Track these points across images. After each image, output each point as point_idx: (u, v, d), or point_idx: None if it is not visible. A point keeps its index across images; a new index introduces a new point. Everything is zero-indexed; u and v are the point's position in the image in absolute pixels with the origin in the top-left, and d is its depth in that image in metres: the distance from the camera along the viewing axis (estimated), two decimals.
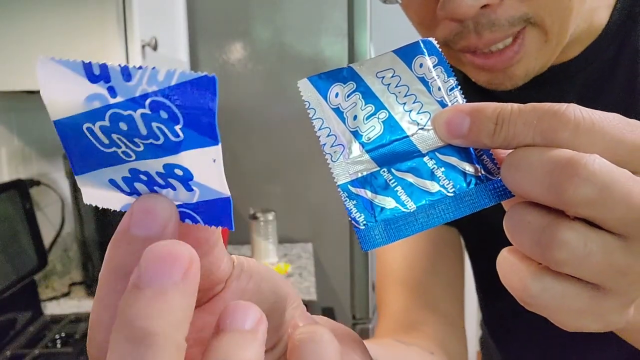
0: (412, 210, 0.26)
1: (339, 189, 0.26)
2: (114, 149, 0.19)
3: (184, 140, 0.18)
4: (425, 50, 0.27)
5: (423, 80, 0.27)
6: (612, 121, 0.23)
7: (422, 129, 0.26)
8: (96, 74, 0.17)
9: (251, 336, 0.20)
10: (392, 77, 0.27)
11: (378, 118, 0.26)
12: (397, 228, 0.26)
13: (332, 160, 0.26)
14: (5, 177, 1.26)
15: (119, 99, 0.18)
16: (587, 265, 0.23)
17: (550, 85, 0.51)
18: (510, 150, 0.25)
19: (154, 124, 0.18)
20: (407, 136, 0.26)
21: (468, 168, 0.26)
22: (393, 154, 0.26)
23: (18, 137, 1.32)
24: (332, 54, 1.77)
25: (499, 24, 0.41)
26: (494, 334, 0.65)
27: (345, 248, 1.80)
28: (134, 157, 0.19)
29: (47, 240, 1.37)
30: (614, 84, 0.50)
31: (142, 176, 0.20)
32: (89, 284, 1.39)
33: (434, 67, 0.27)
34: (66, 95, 0.18)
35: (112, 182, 0.20)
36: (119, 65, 0.17)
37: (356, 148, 0.26)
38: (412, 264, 0.58)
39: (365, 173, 0.26)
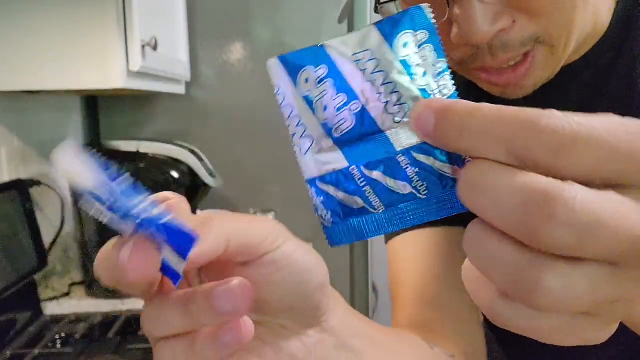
0: (380, 212, 0.24)
1: (306, 184, 0.25)
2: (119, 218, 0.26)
3: (169, 247, 0.25)
4: (413, 24, 0.23)
5: (405, 65, 0.23)
6: (604, 130, 0.19)
7: (397, 123, 0.23)
8: (108, 179, 0.24)
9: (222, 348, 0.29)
10: (369, 60, 0.23)
11: (350, 110, 0.24)
12: (364, 228, 0.24)
13: (300, 154, 0.25)
14: (5, 177, 1.25)
15: (117, 206, 0.24)
16: (572, 305, 0.20)
17: (555, 86, 0.51)
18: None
19: (149, 230, 0.25)
20: (382, 131, 0.23)
21: (446, 169, 0.23)
22: (364, 150, 0.24)
23: (18, 137, 1.32)
24: None
25: (512, 45, 0.43)
26: (497, 332, 0.65)
27: (345, 248, 1.80)
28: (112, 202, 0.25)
29: (47, 240, 1.37)
30: (612, 84, 0.51)
31: (132, 219, 0.25)
32: (89, 284, 1.39)
33: (421, 45, 0.23)
34: (77, 178, 0.23)
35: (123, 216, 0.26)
36: (127, 184, 0.24)
37: (326, 142, 0.24)
38: (421, 268, 0.58)
39: (333, 169, 0.24)
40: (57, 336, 1.20)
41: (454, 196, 0.23)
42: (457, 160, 0.23)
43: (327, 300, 0.33)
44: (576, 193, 0.19)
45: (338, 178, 0.24)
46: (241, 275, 0.28)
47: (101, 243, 1.45)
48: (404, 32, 0.23)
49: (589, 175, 0.19)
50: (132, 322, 1.26)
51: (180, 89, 1.66)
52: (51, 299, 1.35)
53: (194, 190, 1.42)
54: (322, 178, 0.25)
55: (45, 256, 1.31)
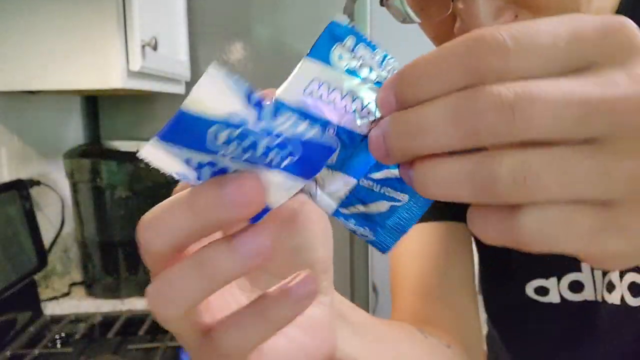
0: (406, 202, 0.26)
1: (334, 218, 0.27)
2: (221, 149, 0.22)
3: (283, 168, 0.23)
4: (336, 36, 0.25)
5: (350, 72, 0.25)
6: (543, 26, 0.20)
7: (373, 122, 0.25)
8: (254, 102, 0.21)
9: (295, 304, 0.25)
10: (319, 87, 0.25)
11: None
12: (401, 223, 0.26)
13: (314, 199, 0.26)
14: (5, 177, 1.25)
15: (258, 127, 0.21)
16: (536, 190, 0.20)
17: None
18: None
19: (271, 152, 0.22)
20: (364, 136, 0.25)
21: None
22: (360, 160, 0.25)
23: (18, 137, 1.32)
24: None
25: None
26: (497, 323, 0.65)
27: (345, 248, 1.80)
28: (230, 157, 0.22)
29: (47, 240, 1.37)
30: None
31: (216, 168, 0.23)
32: (89, 284, 1.39)
33: (354, 49, 0.25)
34: (214, 102, 0.21)
35: (187, 160, 0.23)
36: (274, 104, 0.22)
37: (325, 174, 0.26)
38: (422, 263, 0.59)
39: (346, 192, 0.26)
40: (57, 336, 1.20)
41: None
42: None
43: (331, 271, 0.34)
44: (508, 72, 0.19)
45: (355, 196, 0.26)
46: (283, 213, 0.28)
47: (101, 243, 1.44)
48: (333, 47, 0.25)
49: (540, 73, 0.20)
50: (132, 322, 1.26)
51: (180, 89, 1.66)
52: (51, 299, 1.35)
53: None
54: (343, 204, 0.26)
55: (45, 256, 1.31)
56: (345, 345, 0.34)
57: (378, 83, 0.25)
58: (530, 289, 0.57)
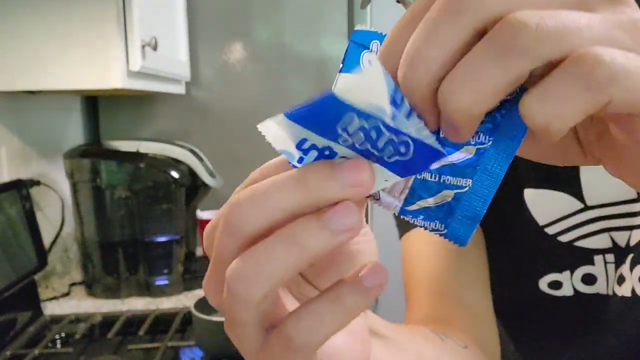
0: (470, 185, 0.25)
1: (402, 217, 0.26)
2: (345, 135, 0.22)
3: (390, 163, 0.23)
4: (363, 44, 0.26)
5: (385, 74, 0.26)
6: None
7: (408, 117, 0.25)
8: (397, 100, 0.22)
9: (368, 292, 0.25)
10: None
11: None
12: (473, 209, 0.25)
13: (377, 201, 0.26)
14: (5, 177, 1.26)
15: (391, 124, 0.22)
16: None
17: None
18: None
19: (389, 147, 0.23)
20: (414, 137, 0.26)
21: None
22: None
23: (18, 137, 1.32)
24: (332, 54, 1.76)
25: None
26: (507, 318, 0.65)
27: None
28: (347, 144, 0.23)
29: (47, 240, 1.37)
30: None
31: (326, 152, 0.24)
32: (89, 284, 1.39)
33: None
34: (363, 92, 0.21)
35: (301, 141, 0.24)
36: (410, 105, 0.22)
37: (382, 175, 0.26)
38: (436, 263, 0.59)
39: (408, 188, 0.26)
40: (57, 336, 1.20)
41: (508, 119, 0.25)
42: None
43: None
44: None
45: (416, 192, 0.26)
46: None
47: (101, 243, 1.44)
48: (361, 55, 0.26)
49: None
50: (132, 322, 1.26)
51: (180, 89, 1.66)
52: (51, 299, 1.35)
53: (194, 190, 1.42)
54: (407, 202, 0.26)
55: (45, 256, 1.31)
56: (376, 356, 0.34)
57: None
58: (543, 283, 0.58)
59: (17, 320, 1.20)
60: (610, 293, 0.54)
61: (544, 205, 0.55)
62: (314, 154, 0.24)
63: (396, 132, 0.22)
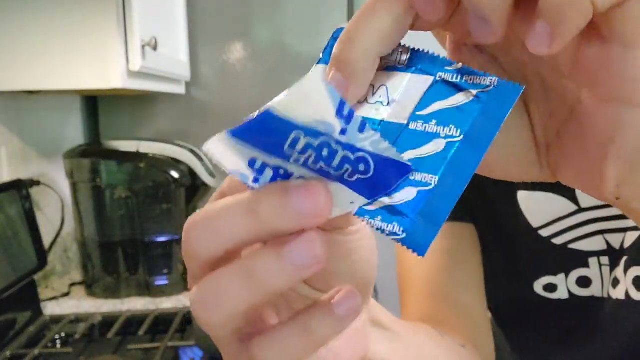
0: (435, 183, 0.22)
1: (357, 217, 0.24)
2: (295, 154, 0.21)
3: (352, 182, 0.22)
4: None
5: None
6: None
7: (387, 105, 0.24)
8: (344, 113, 0.20)
9: (339, 321, 0.24)
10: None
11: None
12: (436, 209, 0.22)
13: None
14: (5, 177, 1.25)
15: (342, 139, 0.20)
16: None
17: None
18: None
19: (346, 165, 0.21)
20: (380, 121, 0.24)
21: (460, 98, 0.23)
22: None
23: (18, 137, 1.32)
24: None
25: None
26: (502, 321, 0.65)
27: None
28: (300, 163, 0.22)
29: (46, 240, 1.37)
30: None
31: (280, 171, 0.22)
32: (89, 284, 1.39)
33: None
34: (305, 107, 0.20)
35: (251, 161, 0.22)
36: (362, 118, 0.20)
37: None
38: (431, 264, 0.58)
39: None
40: (57, 336, 1.20)
41: (489, 108, 0.23)
42: (461, 84, 0.24)
43: (372, 286, 0.33)
44: None
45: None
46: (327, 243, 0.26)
47: (101, 243, 1.44)
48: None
49: None
50: (132, 322, 1.26)
51: (180, 89, 1.66)
52: (51, 299, 1.35)
53: (194, 190, 1.42)
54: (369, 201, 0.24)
55: (45, 256, 1.31)
56: (376, 348, 0.34)
57: (392, 67, 0.25)
58: (538, 286, 0.57)
59: (16, 320, 1.20)
60: (605, 296, 0.54)
61: (538, 207, 0.55)
62: (269, 173, 0.22)
63: (350, 148, 0.20)
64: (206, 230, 0.23)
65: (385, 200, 0.23)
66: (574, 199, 0.54)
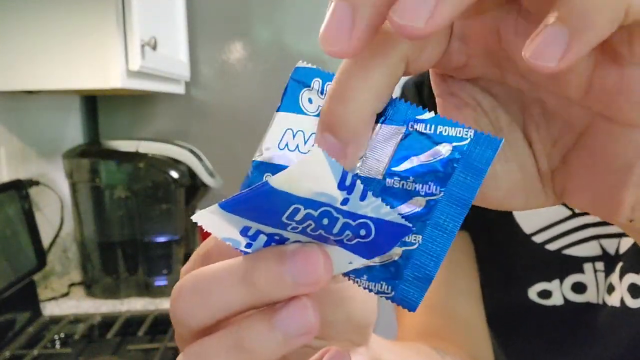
0: (420, 242, 0.22)
1: (345, 278, 0.23)
2: (293, 223, 0.21)
3: (351, 245, 0.21)
4: (304, 82, 0.24)
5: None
6: None
7: (359, 158, 0.23)
8: (346, 184, 0.20)
9: None
10: (294, 136, 0.23)
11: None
12: (422, 268, 0.22)
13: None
14: (4, 177, 1.25)
15: (344, 208, 0.20)
16: None
17: None
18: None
19: (347, 231, 0.21)
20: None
21: (436, 153, 0.22)
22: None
23: (17, 137, 1.32)
24: None
25: None
26: (497, 328, 0.65)
27: None
28: (297, 231, 0.21)
29: (46, 240, 1.37)
30: None
31: (276, 237, 0.22)
32: (88, 285, 1.39)
33: (322, 90, 0.24)
34: (306, 181, 0.19)
35: (244, 229, 0.22)
36: (363, 186, 0.20)
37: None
38: None
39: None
40: (56, 337, 1.20)
41: (466, 166, 0.22)
42: (436, 139, 0.22)
43: (371, 327, 0.32)
44: None
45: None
46: (319, 293, 0.25)
47: (100, 243, 1.44)
48: (300, 93, 0.24)
49: None
50: (131, 323, 1.26)
51: (179, 89, 1.65)
52: (50, 300, 1.35)
53: (194, 190, 1.42)
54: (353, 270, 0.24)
55: (45, 256, 1.31)
56: None
57: None
58: (533, 293, 0.57)
59: (16, 320, 1.20)
60: (601, 302, 0.54)
61: (531, 213, 0.54)
62: (262, 238, 0.22)
63: (351, 215, 0.20)
64: (196, 300, 0.22)
65: (372, 260, 0.22)
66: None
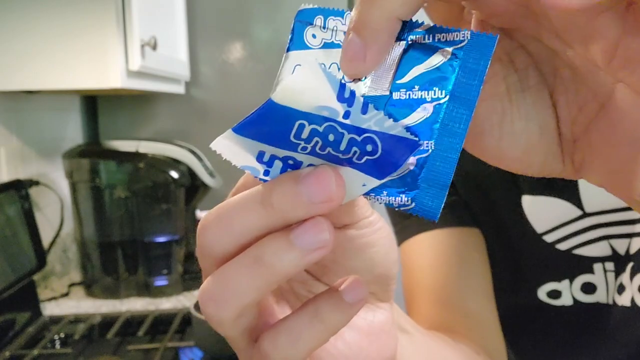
0: (432, 148, 0.22)
1: (364, 196, 0.24)
2: (302, 142, 0.21)
3: (361, 165, 0.22)
4: (307, 21, 0.25)
5: (328, 45, 0.24)
6: None
7: (365, 78, 0.23)
8: (345, 96, 0.20)
9: (348, 308, 0.24)
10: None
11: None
12: (437, 174, 0.22)
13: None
14: (4, 177, 1.25)
15: (346, 122, 0.20)
16: None
17: None
18: None
19: (354, 148, 0.21)
20: (362, 97, 0.23)
21: (437, 59, 0.22)
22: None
23: (17, 137, 1.32)
24: None
25: None
26: (506, 327, 0.65)
27: None
28: (307, 151, 0.22)
29: (46, 240, 1.37)
30: None
31: (290, 161, 0.22)
32: (88, 285, 1.39)
33: (325, 25, 0.24)
34: (306, 95, 0.20)
35: (259, 154, 0.22)
36: (364, 98, 0.20)
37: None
38: (438, 270, 0.57)
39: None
40: (56, 337, 1.20)
41: (465, 66, 0.22)
42: (435, 44, 0.23)
43: (392, 281, 0.32)
44: None
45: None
46: (337, 239, 0.26)
47: (100, 243, 1.44)
48: (304, 31, 0.24)
49: None
50: (131, 323, 1.26)
51: (179, 89, 1.65)
52: (50, 300, 1.35)
53: (194, 190, 1.42)
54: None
55: (44, 256, 1.30)
56: (404, 352, 0.33)
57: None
58: (542, 292, 0.57)
59: (16, 320, 1.20)
60: (611, 302, 0.53)
61: (542, 212, 0.54)
62: (278, 164, 0.22)
63: (356, 129, 0.21)
64: (220, 227, 0.23)
65: (387, 178, 0.23)
66: (578, 203, 0.53)
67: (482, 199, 0.57)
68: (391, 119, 0.21)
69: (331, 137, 0.21)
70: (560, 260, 0.55)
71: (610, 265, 0.53)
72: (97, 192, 1.34)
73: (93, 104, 1.75)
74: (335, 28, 0.24)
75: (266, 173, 0.23)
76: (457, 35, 0.22)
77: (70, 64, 1.08)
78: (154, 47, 1.19)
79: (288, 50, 0.25)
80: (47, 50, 1.08)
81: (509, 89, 0.25)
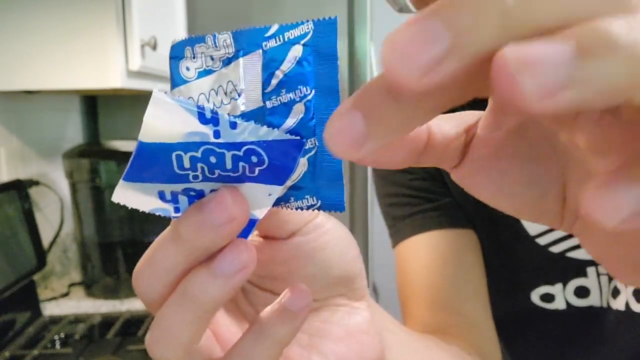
0: (316, 144, 0.23)
1: (275, 207, 0.24)
2: (189, 172, 0.21)
3: (257, 177, 0.22)
4: (179, 55, 0.25)
5: (203, 73, 0.24)
6: None
7: (240, 96, 0.23)
8: (208, 117, 0.20)
9: (293, 317, 0.24)
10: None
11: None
12: (329, 167, 0.23)
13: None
14: (4, 177, 1.25)
15: (220, 141, 0.20)
16: None
17: None
18: None
19: (241, 163, 0.21)
20: (242, 114, 0.23)
21: (291, 55, 0.23)
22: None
23: (17, 137, 1.32)
24: None
25: None
26: (500, 331, 0.65)
27: None
28: (200, 179, 0.22)
29: (46, 240, 1.37)
30: None
31: (192, 193, 0.22)
32: (88, 285, 1.39)
33: (194, 56, 0.24)
34: (169, 126, 0.20)
35: (160, 194, 0.23)
36: (228, 115, 0.21)
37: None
38: (433, 272, 0.57)
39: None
40: (56, 337, 1.20)
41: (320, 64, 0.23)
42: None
43: (360, 278, 0.32)
44: None
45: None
46: (286, 250, 0.27)
47: (100, 243, 1.44)
48: (179, 66, 0.25)
49: None
50: (131, 323, 1.26)
51: None
52: (50, 300, 1.35)
53: None
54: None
55: (44, 256, 1.30)
56: (391, 352, 0.33)
57: (226, 60, 0.24)
58: (535, 296, 0.57)
59: (16, 320, 1.20)
60: (605, 306, 0.53)
61: None
62: (183, 199, 0.23)
63: (233, 146, 0.21)
64: (150, 272, 0.23)
65: (288, 182, 0.23)
66: None
67: (475, 201, 0.57)
68: (265, 126, 0.21)
69: (213, 159, 0.21)
70: (554, 263, 0.54)
71: (603, 269, 0.53)
72: (97, 192, 1.34)
73: (93, 104, 1.75)
74: (203, 55, 0.24)
75: (177, 210, 0.23)
76: (303, 28, 0.23)
77: (70, 64, 1.08)
78: (154, 47, 1.19)
79: (172, 89, 0.25)
80: (47, 50, 1.08)
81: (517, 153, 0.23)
